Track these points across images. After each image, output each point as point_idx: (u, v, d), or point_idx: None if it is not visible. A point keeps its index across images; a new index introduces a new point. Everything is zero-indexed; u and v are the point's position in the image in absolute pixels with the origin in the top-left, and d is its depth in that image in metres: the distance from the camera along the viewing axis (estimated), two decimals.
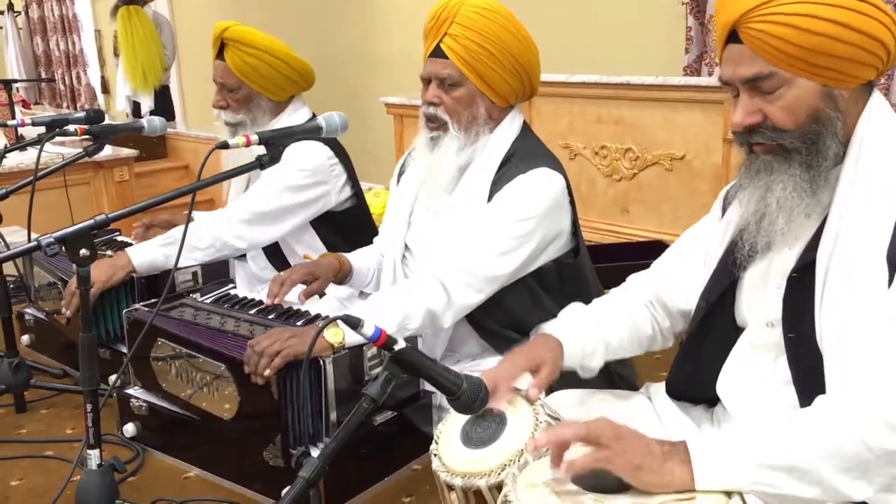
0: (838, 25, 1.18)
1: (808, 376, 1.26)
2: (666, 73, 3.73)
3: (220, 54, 2.45)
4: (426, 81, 1.95)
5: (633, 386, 1.82)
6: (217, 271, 2.37)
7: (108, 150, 4.62)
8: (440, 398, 1.82)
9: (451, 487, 1.26)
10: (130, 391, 1.95)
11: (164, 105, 6.73)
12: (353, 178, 2.52)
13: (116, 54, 7.31)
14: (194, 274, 2.32)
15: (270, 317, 1.89)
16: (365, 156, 3.96)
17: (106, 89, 9.68)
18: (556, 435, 1.16)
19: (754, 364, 1.38)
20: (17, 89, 8.55)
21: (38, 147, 2.10)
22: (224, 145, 1.61)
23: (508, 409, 1.32)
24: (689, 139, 3.47)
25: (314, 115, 2.46)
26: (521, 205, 1.85)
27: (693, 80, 3.63)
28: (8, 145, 2.49)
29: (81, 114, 2.24)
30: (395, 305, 1.77)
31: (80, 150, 2.22)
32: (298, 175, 2.39)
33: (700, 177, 3.47)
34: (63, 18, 9.75)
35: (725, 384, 1.42)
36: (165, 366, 1.87)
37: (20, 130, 4.39)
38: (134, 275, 2.21)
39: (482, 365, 1.92)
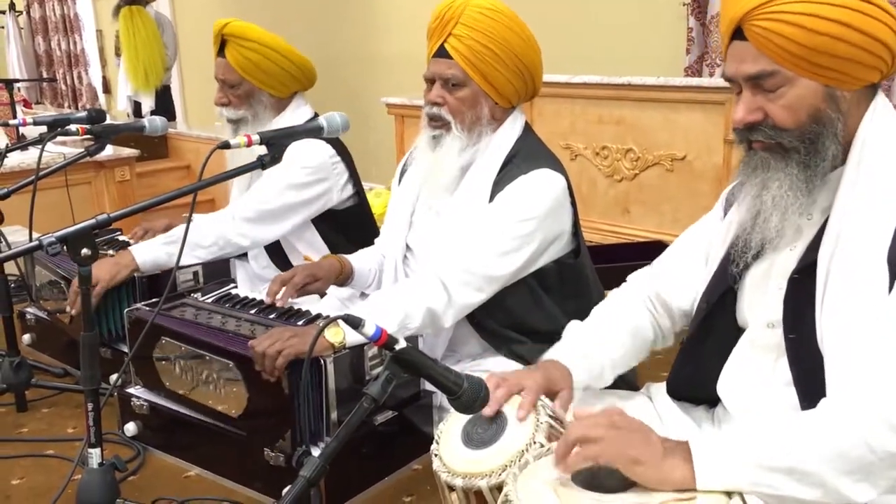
0: (842, 26, 1.18)
1: (809, 377, 1.26)
2: (667, 74, 3.73)
3: (221, 51, 2.45)
4: (430, 81, 1.95)
5: (634, 386, 1.82)
6: (218, 271, 2.37)
7: (109, 150, 4.62)
8: (441, 398, 1.82)
9: (451, 488, 1.25)
10: (131, 390, 1.96)
11: (164, 105, 6.73)
12: (354, 177, 2.52)
13: (118, 54, 7.30)
14: (195, 273, 2.32)
15: (271, 316, 1.89)
16: (366, 156, 3.96)
17: (107, 89, 9.69)
18: (563, 441, 1.17)
19: (755, 365, 1.38)
20: (19, 89, 8.58)
21: (40, 147, 2.10)
22: (225, 145, 1.61)
23: (509, 410, 1.32)
24: (690, 140, 3.47)
25: (316, 114, 2.47)
26: (523, 205, 1.86)
27: (694, 81, 3.62)
28: (9, 145, 2.49)
29: (83, 113, 2.24)
30: (395, 305, 1.77)
31: (82, 149, 2.22)
32: (301, 173, 2.39)
33: (701, 177, 3.47)
34: (65, 18, 9.76)
35: (726, 385, 1.42)
36: (169, 365, 1.87)
37: (22, 130, 4.39)
38: (137, 274, 2.20)
39: (483, 365, 1.92)
